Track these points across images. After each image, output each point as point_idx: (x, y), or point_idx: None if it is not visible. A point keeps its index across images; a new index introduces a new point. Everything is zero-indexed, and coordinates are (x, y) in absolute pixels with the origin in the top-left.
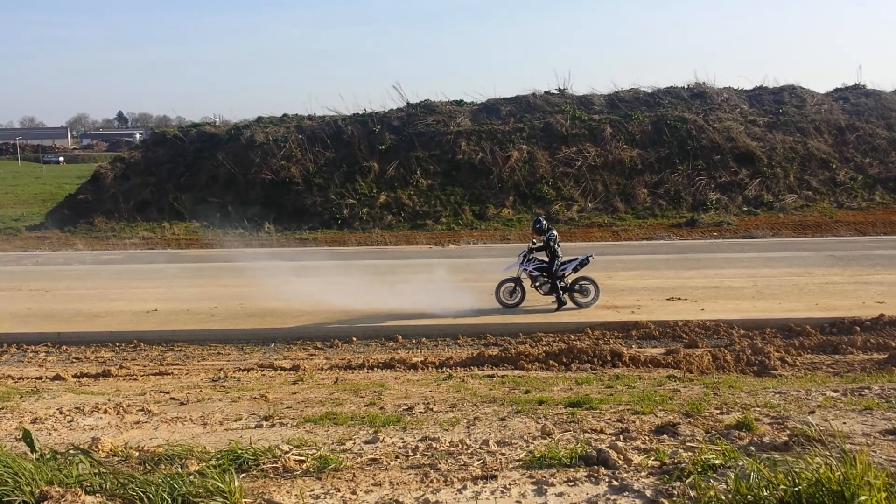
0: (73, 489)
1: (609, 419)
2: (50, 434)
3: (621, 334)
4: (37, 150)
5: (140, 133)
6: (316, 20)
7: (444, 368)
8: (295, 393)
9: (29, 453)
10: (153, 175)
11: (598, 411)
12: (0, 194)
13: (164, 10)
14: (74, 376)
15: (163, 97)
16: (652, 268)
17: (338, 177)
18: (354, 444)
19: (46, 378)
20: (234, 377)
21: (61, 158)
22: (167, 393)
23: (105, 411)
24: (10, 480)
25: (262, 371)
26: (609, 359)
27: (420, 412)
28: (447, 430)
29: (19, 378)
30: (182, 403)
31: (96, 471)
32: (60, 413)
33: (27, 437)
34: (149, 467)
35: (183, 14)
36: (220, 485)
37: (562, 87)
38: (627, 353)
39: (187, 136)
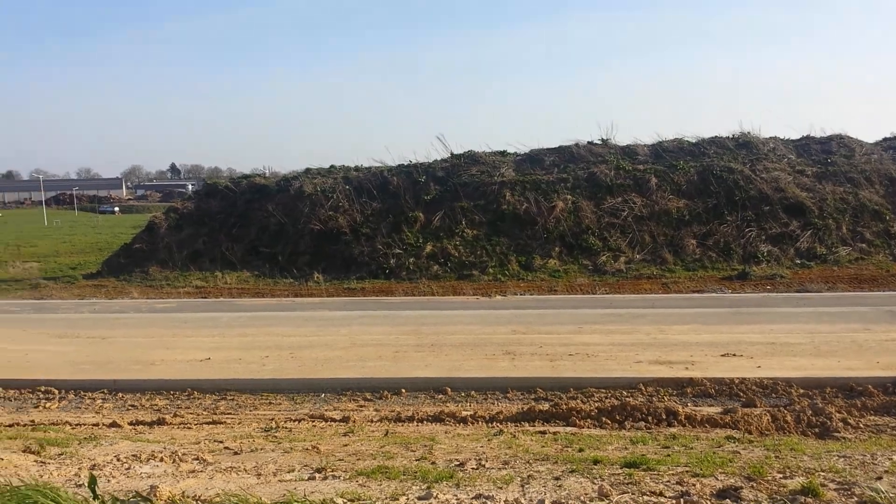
0: None
1: (668, 481)
2: (108, 481)
3: (675, 391)
4: (93, 201)
5: (192, 184)
6: (360, 73)
7: (495, 423)
8: (346, 445)
9: (91, 500)
10: (205, 225)
11: (655, 472)
12: (58, 243)
13: (215, 66)
14: (130, 423)
15: (214, 150)
16: (704, 322)
17: (384, 227)
18: (408, 499)
19: (103, 425)
20: (286, 427)
21: (116, 209)
22: (221, 442)
23: (161, 459)
24: None
25: (313, 422)
26: (664, 417)
27: (472, 468)
28: (501, 487)
29: (77, 424)
30: (236, 453)
31: None
32: (118, 460)
33: (92, 484)
34: None
35: (228, 70)
36: None
37: (605, 138)
38: (683, 411)
39: (238, 186)
